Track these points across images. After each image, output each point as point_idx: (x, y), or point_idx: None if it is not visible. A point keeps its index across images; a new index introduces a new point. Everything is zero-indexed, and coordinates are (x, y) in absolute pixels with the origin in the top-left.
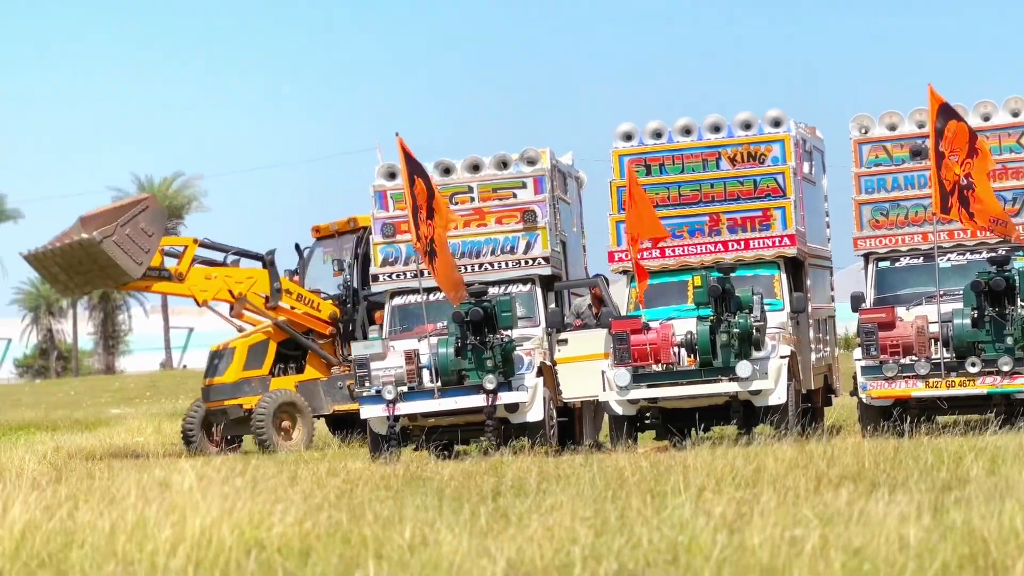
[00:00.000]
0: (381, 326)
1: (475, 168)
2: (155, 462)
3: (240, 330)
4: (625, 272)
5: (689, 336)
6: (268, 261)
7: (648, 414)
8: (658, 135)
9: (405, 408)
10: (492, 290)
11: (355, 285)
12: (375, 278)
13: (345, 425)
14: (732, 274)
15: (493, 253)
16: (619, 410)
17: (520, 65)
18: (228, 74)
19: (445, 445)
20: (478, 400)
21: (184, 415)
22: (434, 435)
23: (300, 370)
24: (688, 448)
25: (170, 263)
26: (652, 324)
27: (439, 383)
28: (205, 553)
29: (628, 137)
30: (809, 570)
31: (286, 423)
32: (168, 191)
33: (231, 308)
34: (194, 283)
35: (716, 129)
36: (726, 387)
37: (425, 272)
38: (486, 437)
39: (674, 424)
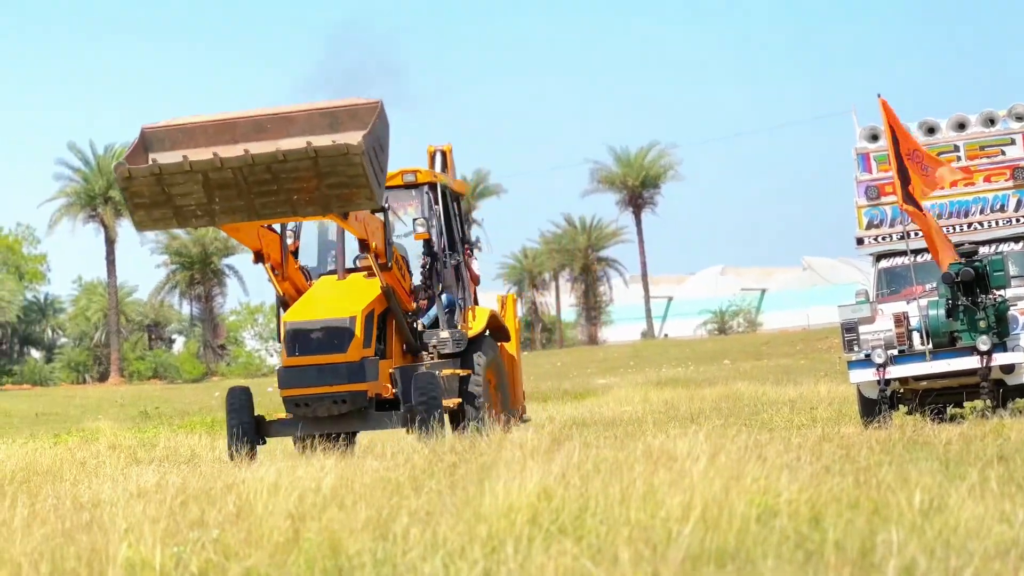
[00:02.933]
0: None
1: (961, 126)
2: (646, 430)
3: (285, 297)
4: None
5: None
6: (385, 211)
7: None
8: None
9: (895, 372)
10: (983, 250)
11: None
12: (860, 241)
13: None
14: None
15: (982, 212)
16: None
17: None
18: (693, 45)
19: (938, 408)
20: (971, 362)
21: (228, 415)
22: (928, 399)
23: (383, 353)
24: None
25: None
26: None
27: (930, 345)
28: (717, 519)
29: None
30: None
31: None
32: (644, 161)
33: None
34: (350, 226)
35: None
36: None
37: (911, 234)
38: (982, 399)
39: None
